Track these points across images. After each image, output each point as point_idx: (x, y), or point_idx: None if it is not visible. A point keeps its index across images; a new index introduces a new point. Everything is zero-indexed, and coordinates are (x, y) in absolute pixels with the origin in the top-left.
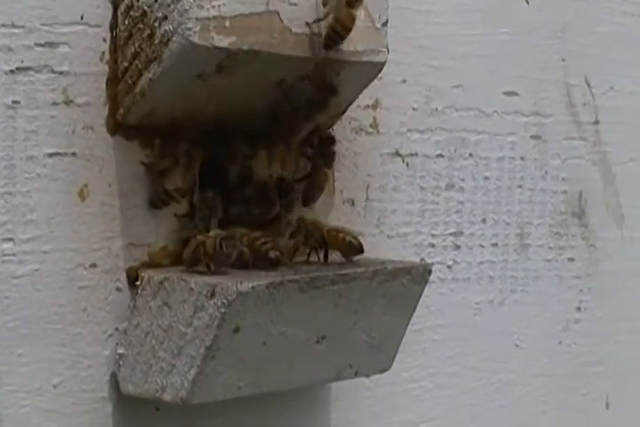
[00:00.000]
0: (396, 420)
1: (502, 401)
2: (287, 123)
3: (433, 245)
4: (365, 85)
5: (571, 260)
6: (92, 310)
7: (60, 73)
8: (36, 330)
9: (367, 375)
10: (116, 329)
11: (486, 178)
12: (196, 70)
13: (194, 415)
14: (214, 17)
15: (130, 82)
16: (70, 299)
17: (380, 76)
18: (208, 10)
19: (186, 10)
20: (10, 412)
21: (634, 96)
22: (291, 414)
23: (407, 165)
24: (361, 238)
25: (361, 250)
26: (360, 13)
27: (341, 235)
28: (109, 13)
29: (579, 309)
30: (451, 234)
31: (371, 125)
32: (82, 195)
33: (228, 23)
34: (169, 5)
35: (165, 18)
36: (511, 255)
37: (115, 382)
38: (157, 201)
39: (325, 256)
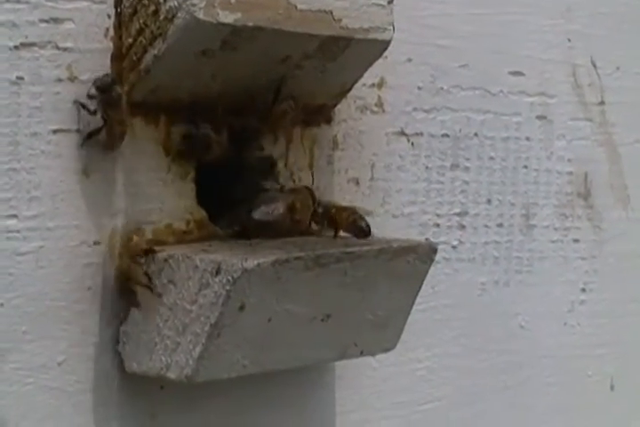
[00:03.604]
0: (401, 400)
1: (507, 382)
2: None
3: (438, 225)
4: (370, 64)
5: (576, 241)
6: (97, 288)
7: (65, 49)
8: (40, 307)
9: (372, 354)
10: (121, 307)
11: (491, 158)
12: (200, 47)
13: (198, 393)
14: None
15: (134, 58)
16: (75, 276)
17: (385, 54)
18: None
19: None
20: (14, 389)
21: None
22: (295, 392)
23: (412, 144)
24: (367, 218)
25: (369, 233)
26: None
27: (351, 217)
28: None
29: (584, 290)
30: (456, 214)
31: (376, 104)
32: (86, 172)
33: None
34: None
35: None
36: (516, 236)
37: (119, 359)
38: None
39: (335, 236)
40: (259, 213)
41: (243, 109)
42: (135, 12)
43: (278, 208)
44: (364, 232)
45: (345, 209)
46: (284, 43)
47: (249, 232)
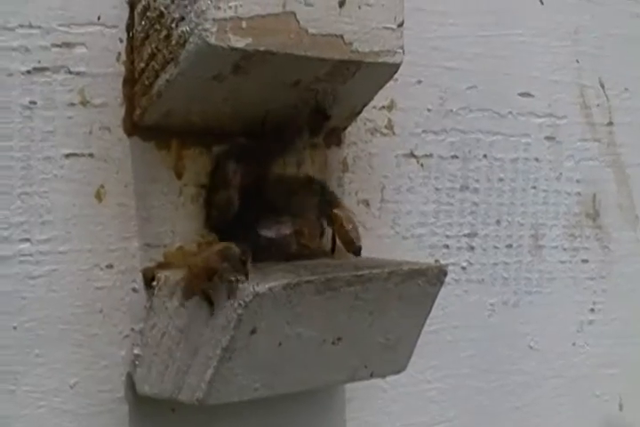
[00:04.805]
0: (411, 421)
1: (516, 402)
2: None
3: (447, 247)
4: (381, 86)
5: (585, 261)
6: (109, 311)
7: (77, 73)
8: (53, 331)
9: (382, 376)
10: (132, 330)
11: (500, 179)
12: (212, 71)
13: (210, 416)
14: (231, 18)
15: (146, 83)
16: (87, 300)
17: (395, 77)
18: (225, 11)
19: (203, 11)
20: (27, 412)
21: None
22: (306, 415)
23: (422, 166)
24: (368, 240)
25: (358, 252)
26: None
27: (346, 229)
28: (126, 14)
29: (592, 310)
30: (465, 235)
31: (386, 126)
32: (98, 196)
33: (244, 24)
34: (186, 6)
35: (182, 19)
36: (525, 257)
37: (131, 382)
38: None
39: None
40: (265, 231)
41: (254, 132)
42: (147, 36)
43: (285, 229)
44: (354, 250)
45: (340, 217)
46: (296, 67)
47: (257, 253)
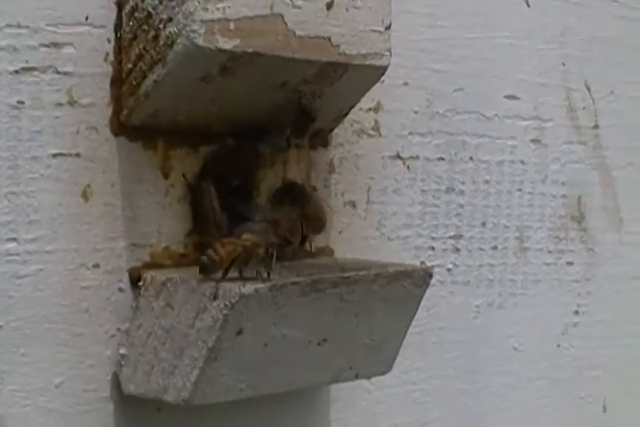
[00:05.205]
0: (396, 422)
1: (500, 404)
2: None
3: (433, 248)
4: (368, 89)
5: (570, 264)
6: (95, 311)
7: (65, 73)
8: (39, 330)
9: (367, 378)
10: (119, 329)
11: (486, 181)
12: (200, 72)
13: (195, 417)
14: (219, 19)
15: (134, 83)
16: (73, 299)
17: (382, 78)
18: (213, 12)
19: (191, 12)
20: (12, 411)
21: (633, 101)
22: (291, 415)
23: (408, 167)
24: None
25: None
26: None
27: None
28: (114, 14)
29: (577, 312)
30: (451, 237)
31: (372, 128)
32: (85, 195)
33: (232, 26)
34: (174, 7)
35: (170, 20)
36: (510, 259)
37: (117, 382)
38: None
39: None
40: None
41: (241, 134)
42: (135, 37)
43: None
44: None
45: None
46: (283, 68)
47: None
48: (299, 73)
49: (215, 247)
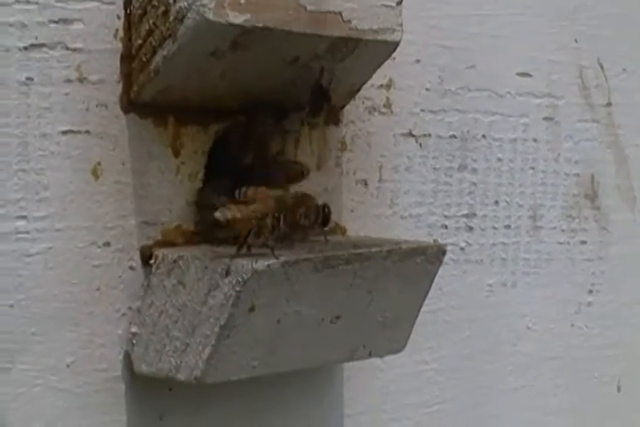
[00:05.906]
0: (409, 402)
1: (514, 384)
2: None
3: (446, 227)
4: (379, 65)
5: (583, 242)
6: (106, 289)
7: (74, 50)
8: (49, 309)
9: (381, 356)
10: (130, 308)
11: (499, 159)
12: (210, 47)
13: (207, 395)
14: None
15: (144, 59)
16: (84, 278)
17: (393, 56)
18: None
19: None
20: (23, 391)
21: None
22: (303, 394)
23: (420, 145)
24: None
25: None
26: None
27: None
28: None
29: (591, 291)
30: (463, 215)
31: (384, 105)
32: (95, 173)
33: (242, 0)
34: None
35: None
36: (524, 237)
37: (128, 361)
38: None
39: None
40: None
41: (252, 110)
42: (145, 12)
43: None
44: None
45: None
46: (294, 44)
47: None
48: (310, 48)
49: (230, 207)
